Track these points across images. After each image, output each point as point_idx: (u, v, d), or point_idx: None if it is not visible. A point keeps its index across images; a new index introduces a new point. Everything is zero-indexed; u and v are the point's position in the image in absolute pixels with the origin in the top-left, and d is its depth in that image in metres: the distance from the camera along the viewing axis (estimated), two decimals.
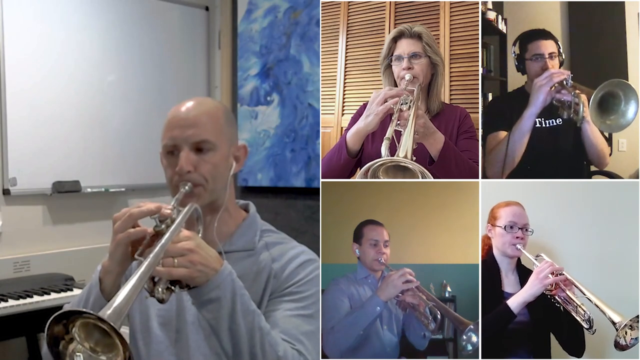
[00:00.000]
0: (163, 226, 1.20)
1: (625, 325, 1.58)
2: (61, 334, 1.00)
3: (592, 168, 1.93)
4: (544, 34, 1.90)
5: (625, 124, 1.76)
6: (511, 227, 1.75)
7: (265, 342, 1.23)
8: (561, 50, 1.89)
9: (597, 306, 1.61)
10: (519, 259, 1.79)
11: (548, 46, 1.87)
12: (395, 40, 1.83)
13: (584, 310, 1.63)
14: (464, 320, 1.74)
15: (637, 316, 1.60)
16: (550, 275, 1.65)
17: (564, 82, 1.80)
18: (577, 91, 1.79)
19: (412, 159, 1.53)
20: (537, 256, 1.73)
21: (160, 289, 1.15)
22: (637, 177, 1.81)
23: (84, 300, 1.29)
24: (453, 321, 1.76)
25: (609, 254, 1.84)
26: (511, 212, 1.76)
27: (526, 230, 1.75)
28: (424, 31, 1.81)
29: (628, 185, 1.82)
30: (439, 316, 1.73)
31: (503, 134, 1.86)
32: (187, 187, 1.32)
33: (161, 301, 1.16)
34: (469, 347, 1.71)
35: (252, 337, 1.22)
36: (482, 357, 1.72)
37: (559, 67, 1.89)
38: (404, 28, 1.83)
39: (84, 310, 0.98)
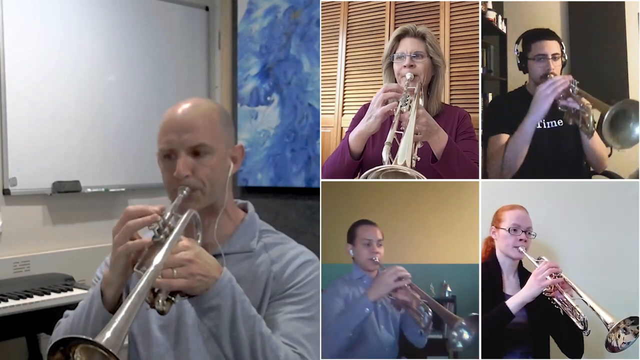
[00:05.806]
0: (162, 237, 1.19)
1: (619, 327, 1.57)
2: None
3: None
4: (548, 34, 1.89)
5: (634, 141, 1.75)
6: (515, 230, 1.76)
7: (266, 347, 1.23)
8: (564, 51, 1.88)
9: (592, 308, 1.61)
10: (520, 262, 1.79)
11: (552, 47, 1.87)
12: (398, 38, 1.84)
13: (579, 312, 1.63)
14: (453, 315, 1.73)
15: (631, 317, 1.59)
16: (548, 277, 1.65)
17: (570, 89, 1.78)
18: (586, 102, 1.76)
19: (414, 161, 1.53)
20: (538, 259, 1.74)
21: (160, 301, 1.14)
22: (637, 177, 1.81)
23: (85, 311, 1.28)
24: (443, 317, 1.75)
25: (609, 254, 1.84)
26: (515, 215, 1.77)
27: (529, 233, 1.76)
28: (427, 32, 1.82)
29: (628, 185, 1.82)
30: (430, 313, 1.72)
31: (505, 137, 1.86)
32: (185, 192, 1.32)
33: (162, 313, 1.15)
34: (459, 345, 1.70)
35: (253, 342, 1.22)
36: (482, 357, 1.72)
37: (562, 68, 1.88)
38: (409, 27, 1.83)
39: (81, 337, 0.97)
